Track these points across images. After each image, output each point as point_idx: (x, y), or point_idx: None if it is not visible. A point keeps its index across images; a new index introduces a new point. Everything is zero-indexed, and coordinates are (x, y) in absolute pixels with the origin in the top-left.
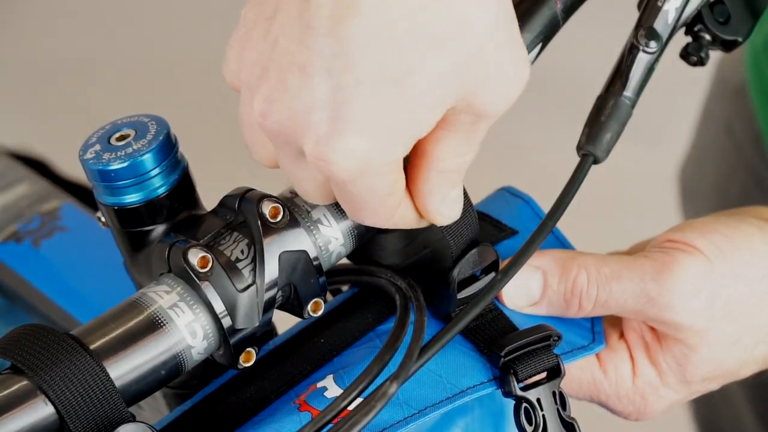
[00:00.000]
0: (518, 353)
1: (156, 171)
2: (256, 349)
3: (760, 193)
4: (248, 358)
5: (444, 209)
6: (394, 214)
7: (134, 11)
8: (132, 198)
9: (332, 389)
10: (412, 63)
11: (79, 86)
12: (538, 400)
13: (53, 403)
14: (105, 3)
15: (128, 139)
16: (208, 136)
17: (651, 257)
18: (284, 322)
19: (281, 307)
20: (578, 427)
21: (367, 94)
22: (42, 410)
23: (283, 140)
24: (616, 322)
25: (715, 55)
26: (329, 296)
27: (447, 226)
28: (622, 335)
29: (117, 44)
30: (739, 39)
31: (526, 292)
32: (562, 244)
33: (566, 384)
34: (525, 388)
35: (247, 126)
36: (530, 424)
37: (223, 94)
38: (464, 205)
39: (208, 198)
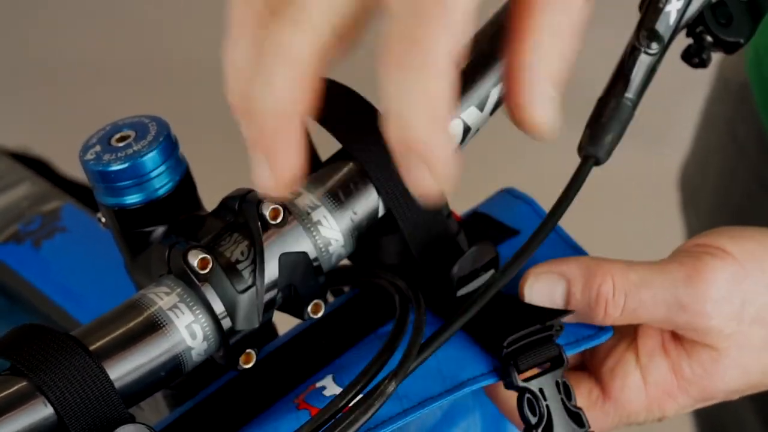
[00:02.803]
0: (519, 344)
1: (156, 172)
2: (256, 350)
3: (764, 194)
4: (248, 360)
5: (548, 109)
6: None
7: (135, 12)
8: (132, 199)
9: (331, 388)
10: None
11: (80, 87)
12: (541, 390)
13: (52, 404)
14: (106, 4)
15: (129, 140)
16: (209, 137)
17: (681, 262)
18: (285, 323)
19: (281, 309)
20: (584, 416)
21: None
22: (41, 411)
23: None
24: (621, 336)
25: (716, 57)
26: (330, 297)
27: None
28: (629, 347)
29: (117, 45)
30: (741, 41)
31: (550, 301)
32: (566, 242)
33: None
34: (527, 379)
35: None
36: (534, 414)
37: (224, 95)
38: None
39: (209, 200)
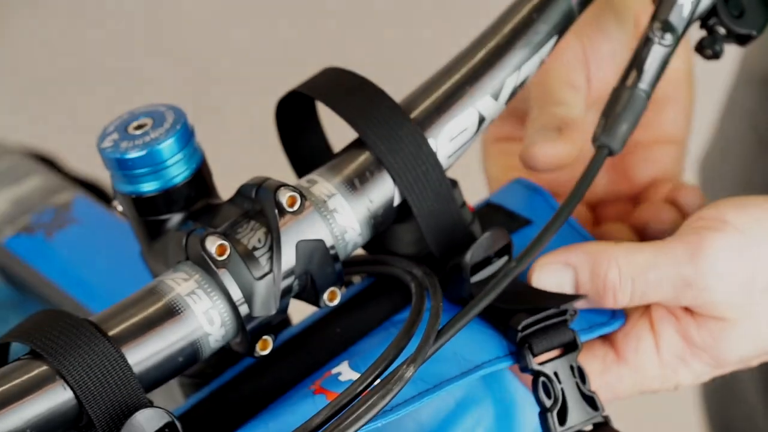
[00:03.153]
0: (534, 328)
1: (173, 160)
2: (273, 337)
3: None
4: (265, 346)
5: None
6: None
7: (140, 10)
8: (149, 187)
9: (347, 373)
10: None
11: (79, 88)
12: (556, 374)
13: (72, 388)
14: (109, 3)
15: (146, 128)
16: (224, 126)
17: (683, 240)
18: (300, 311)
19: (298, 296)
20: (598, 400)
21: None
22: (61, 395)
23: None
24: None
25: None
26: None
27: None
28: (643, 314)
29: (126, 40)
30: (754, 33)
31: (559, 291)
32: (578, 232)
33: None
34: (542, 363)
35: None
36: (549, 397)
37: (239, 87)
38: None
39: (224, 188)
